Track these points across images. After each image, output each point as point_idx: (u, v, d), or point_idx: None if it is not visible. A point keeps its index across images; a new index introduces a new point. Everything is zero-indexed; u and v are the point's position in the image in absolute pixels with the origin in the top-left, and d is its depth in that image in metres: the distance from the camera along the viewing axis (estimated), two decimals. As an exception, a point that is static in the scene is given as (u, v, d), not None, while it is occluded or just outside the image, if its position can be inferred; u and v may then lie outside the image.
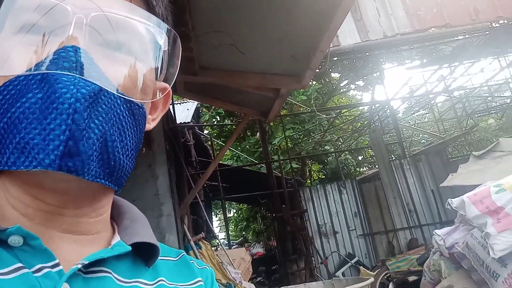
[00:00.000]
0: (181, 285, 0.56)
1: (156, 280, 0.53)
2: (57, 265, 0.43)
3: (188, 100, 9.49)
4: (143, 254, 0.53)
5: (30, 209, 0.44)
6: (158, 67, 0.52)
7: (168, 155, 4.30)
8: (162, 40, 0.51)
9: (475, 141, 11.93)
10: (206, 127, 12.52)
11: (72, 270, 0.42)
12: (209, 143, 11.00)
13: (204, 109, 11.93)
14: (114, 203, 0.56)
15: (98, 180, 0.43)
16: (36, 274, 0.41)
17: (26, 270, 0.41)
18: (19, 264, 0.41)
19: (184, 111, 9.15)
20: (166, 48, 0.52)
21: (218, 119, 13.12)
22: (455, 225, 3.95)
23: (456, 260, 3.70)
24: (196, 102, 9.84)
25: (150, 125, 0.55)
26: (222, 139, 12.65)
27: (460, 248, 3.52)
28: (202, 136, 10.55)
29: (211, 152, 10.62)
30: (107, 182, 0.44)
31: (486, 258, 3.08)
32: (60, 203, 0.45)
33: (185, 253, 0.64)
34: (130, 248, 0.50)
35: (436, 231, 4.11)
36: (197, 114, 10.80)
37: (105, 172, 0.44)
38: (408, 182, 8.34)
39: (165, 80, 0.54)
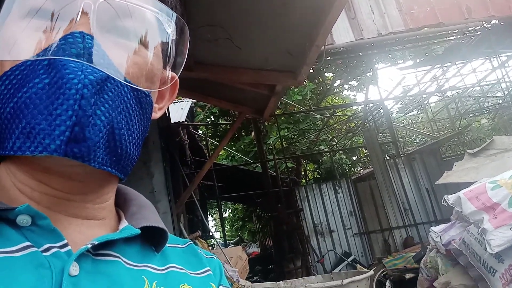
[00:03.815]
0: (191, 273, 0.55)
1: (166, 267, 0.53)
2: (65, 245, 0.42)
3: (182, 100, 9.42)
4: (151, 239, 0.53)
5: (36, 193, 0.44)
6: (166, 56, 0.52)
7: (163, 153, 4.26)
8: (170, 29, 0.50)
9: (469, 141, 12.02)
10: (201, 126, 12.46)
11: (82, 250, 0.42)
12: (204, 142, 10.96)
13: (198, 109, 11.89)
14: (119, 191, 0.56)
15: (105, 167, 0.43)
16: (44, 254, 0.41)
17: (34, 249, 0.40)
18: (28, 243, 0.40)
19: (179, 110, 9.07)
20: (174, 37, 0.51)
21: (213, 119, 13.08)
22: (451, 222, 3.95)
23: (453, 257, 3.70)
24: (190, 102, 9.79)
25: (156, 114, 0.55)
26: (216, 139, 12.61)
27: (457, 245, 3.52)
28: (196, 135, 10.50)
29: (205, 151, 10.58)
30: (113, 170, 0.44)
31: (483, 254, 3.08)
32: (65, 189, 0.45)
33: (192, 242, 0.64)
34: (139, 231, 0.50)
35: (433, 228, 4.11)
36: (191, 114, 10.74)
37: (112, 160, 0.43)
38: (403, 181, 8.36)
39: (172, 69, 0.54)
